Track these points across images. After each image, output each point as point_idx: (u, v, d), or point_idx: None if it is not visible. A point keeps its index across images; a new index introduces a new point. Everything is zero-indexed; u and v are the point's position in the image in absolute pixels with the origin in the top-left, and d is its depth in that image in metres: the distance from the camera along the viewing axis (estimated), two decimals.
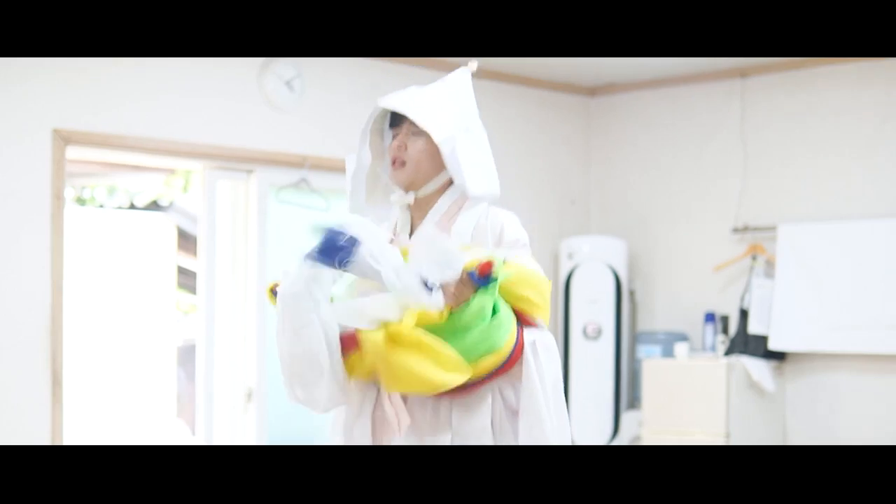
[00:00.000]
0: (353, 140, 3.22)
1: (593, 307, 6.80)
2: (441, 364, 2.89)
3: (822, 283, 6.18)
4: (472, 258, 2.91)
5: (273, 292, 3.05)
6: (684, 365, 6.33)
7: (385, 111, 3.23)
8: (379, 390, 3.08)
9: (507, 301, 3.00)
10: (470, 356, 2.93)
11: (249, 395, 5.82)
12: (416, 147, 3.15)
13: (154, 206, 8.59)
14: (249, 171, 5.86)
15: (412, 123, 3.14)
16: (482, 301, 2.91)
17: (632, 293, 7.00)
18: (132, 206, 8.58)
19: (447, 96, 3.20)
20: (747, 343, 6.31)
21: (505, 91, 6.77)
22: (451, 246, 2.94)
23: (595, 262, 6.81)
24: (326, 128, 6.01)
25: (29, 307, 5.14)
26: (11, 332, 5.10)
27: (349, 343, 2.99)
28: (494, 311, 2.94)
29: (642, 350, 6.69)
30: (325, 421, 3.22)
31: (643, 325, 6.98)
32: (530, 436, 3.00)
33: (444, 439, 3.03)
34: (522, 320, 3.04)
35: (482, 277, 2.89)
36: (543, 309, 3.08)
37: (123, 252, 7.55)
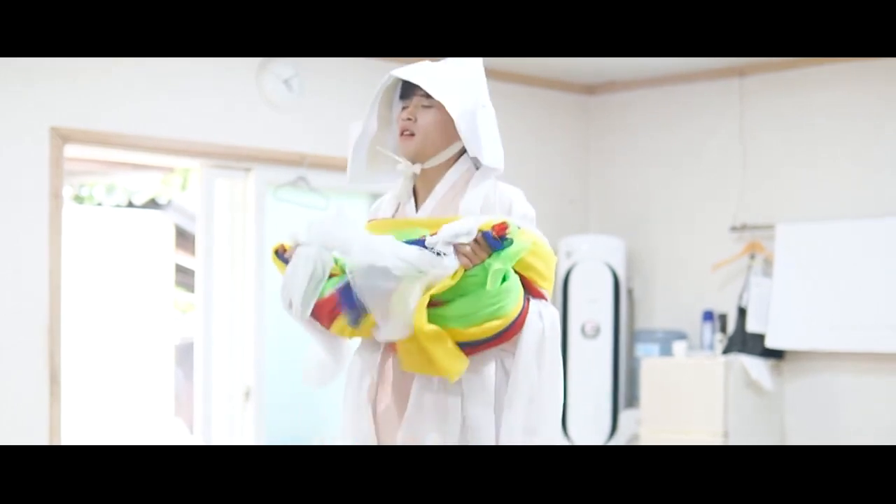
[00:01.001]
0: (351, 139, 3.22)
1: (592, 306, 6.79)
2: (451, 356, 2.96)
3: (820, 282, 6.18)
4: (487, 220, 2.93)
5: (277, 253, 3.10)
6: (682, 363, 6.33)
7: (396, 82, 3.22)
8: (378, 374, 3.14)
9: (515, 269, 3.01)
10: (476, 318, 2.95)
11: (247, 394, 5.82)
12: (426, 118, 3.14)
13: (152, 204, 8.58)
14: (248, 170, 5.86)
15: (423, 96, 3.13)
16: (496, 265, 2.92)
17: (630, 292, 7.00)
18: (130, 205, 8.57)
19: (460, 73, 3.19)
20: (745, 341, 6.31)
21: (504, 90, 6.76)
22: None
23: (593, 260, 6.81)
24: (324, 126, 6.01)
25: (27, 305, 5.14)
26: (9, 331, 5.10)
27: (330, 311, 3.05)
28: (504, 279, 2.96)
29: (640, 348, 6.69)
30: (324, 421, 3.24)
31: (641, 323, 6.98)
32: (515, 401, 3.02)
33: (454, 402, 3.05)
34: (529, 290, 3.05)
35: (497, 238, 2.91)
36: (549, 281, 3.10)
37: (121, 250, 7.54)
